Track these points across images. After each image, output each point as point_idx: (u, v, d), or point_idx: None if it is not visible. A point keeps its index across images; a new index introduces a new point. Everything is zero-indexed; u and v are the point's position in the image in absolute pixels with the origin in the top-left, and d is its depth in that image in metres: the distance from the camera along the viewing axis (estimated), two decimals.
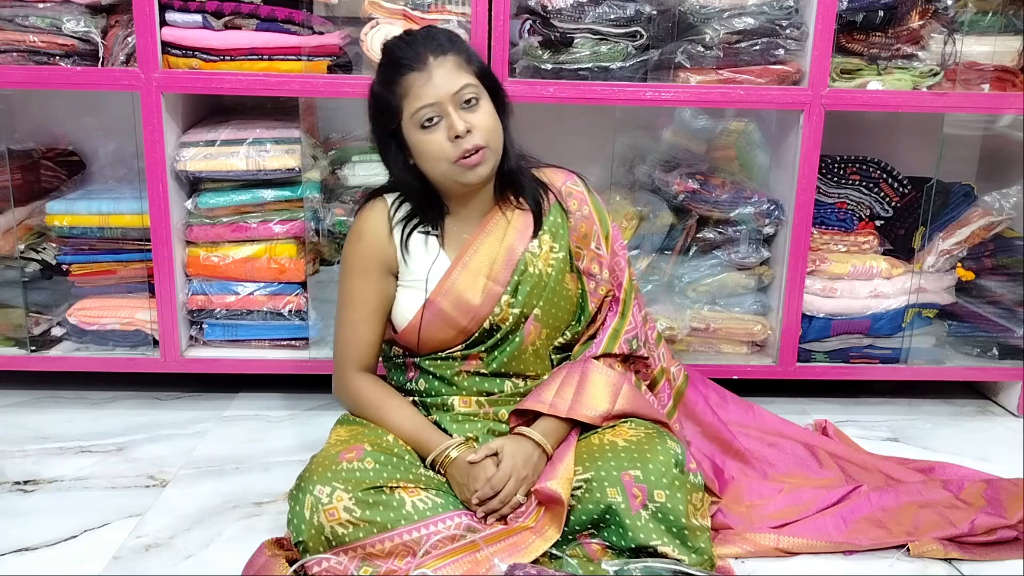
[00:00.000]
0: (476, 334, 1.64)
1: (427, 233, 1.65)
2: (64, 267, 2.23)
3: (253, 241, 2.20)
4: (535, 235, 1.66)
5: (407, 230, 1.64)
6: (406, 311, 1.64)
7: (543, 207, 1.68)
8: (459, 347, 1.65)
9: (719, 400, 1.99)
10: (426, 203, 1.64)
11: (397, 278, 1.67)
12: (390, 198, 1.68)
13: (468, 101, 1.54)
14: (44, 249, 2.27)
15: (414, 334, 1.64)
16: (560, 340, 1.70)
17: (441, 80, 1.52)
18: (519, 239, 1.65)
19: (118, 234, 2.20)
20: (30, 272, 2.27)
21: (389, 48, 1.59)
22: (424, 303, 1.62)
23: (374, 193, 1.71)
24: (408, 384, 1.70)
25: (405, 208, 1.66)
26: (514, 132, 2.05)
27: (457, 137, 1.52)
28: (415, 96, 1.53)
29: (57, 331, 2.28)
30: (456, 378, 1.66)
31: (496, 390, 1.66)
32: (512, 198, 1.67)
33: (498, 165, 1.60)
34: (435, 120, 1.53)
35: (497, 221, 1.66)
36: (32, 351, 2.22)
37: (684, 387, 1.90)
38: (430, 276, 1.63)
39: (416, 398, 1.69)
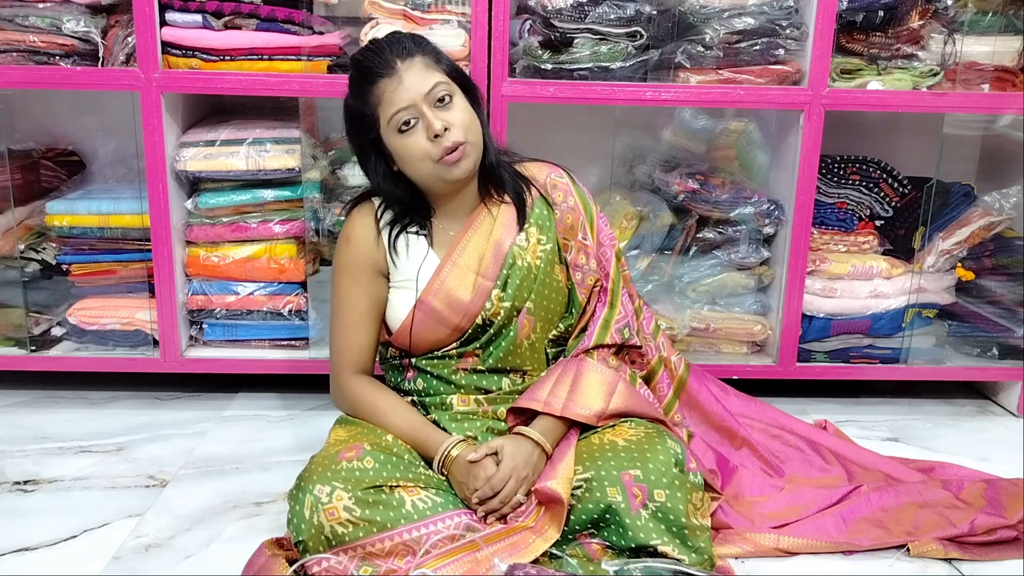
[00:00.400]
0: (469, 331, 1.64)
1: (415, 233, 1.65)
2: (64, 267, 2.23)
3: (253, 241, 2.20)
4: (521, 228, 1.66)
5: (395, 232, 1.65)
6: (399, 312, 1.65)
7: (526, 200, 1.68)
8: (454, 345, 1.65)
9: (720, 392, 1.99)
10: (411, 207, 1.65)
11: (389, 280, 1.67)
12: (377, 200, 1.68)
13: (442, 99, 1.54)
14: (44, 249, 2.27)
15: (406, 335, 1.64)
16: (554, 333, 1.70)
17: (412, 82, 1.53)
18: (506, 233, 1.65)
19: (118, 234, 2.20)
20: (30, 272, 2.27)
21: (356, 60, 1.60)
22: (415, 303, 1.62)
23: (361, 196, 1.71)
24: (406, 384, 1.70)
25: (392, 210, 1.66)
26: (514, 132, 2.07)
27: (436, 136, 1.52)
28: (389, 102, 1.53)
29: (57, 331, 2.28)
30: (454, 376, 1.66)
31: (494, 387, 1.66)
32: (495, 193, 1.67)
33: (480, 160, 1.60)
34: (412, 123, 1.53)
35: (483, 217, 1.66)
36: (32, 351, 2.22)
37: (687, 376, 1.90)
38: (420, 275, 1.63)
39: (415, 398, 1.69)
